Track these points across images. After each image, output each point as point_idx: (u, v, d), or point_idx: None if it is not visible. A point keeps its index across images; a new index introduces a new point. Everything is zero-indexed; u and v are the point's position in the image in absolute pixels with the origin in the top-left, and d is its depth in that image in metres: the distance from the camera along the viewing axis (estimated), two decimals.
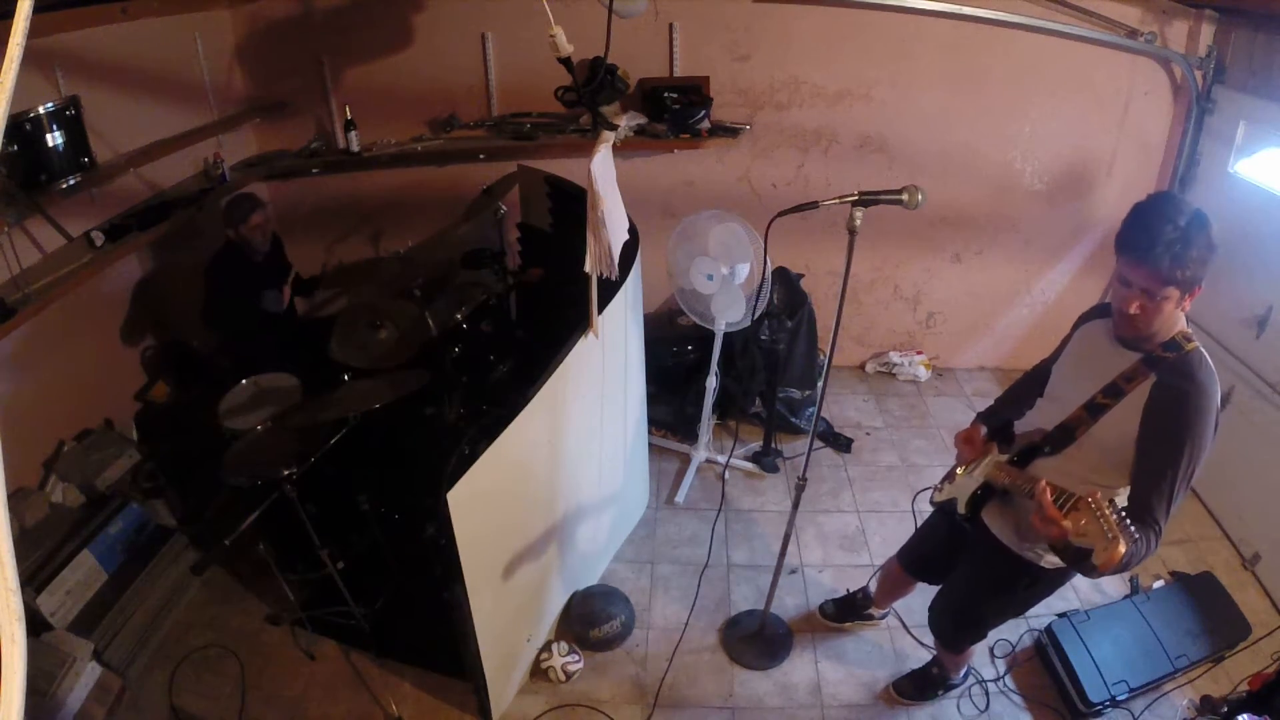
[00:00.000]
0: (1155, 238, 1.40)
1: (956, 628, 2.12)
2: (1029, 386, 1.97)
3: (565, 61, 1.83)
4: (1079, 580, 2.79)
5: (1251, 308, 2.84)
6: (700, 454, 3.39)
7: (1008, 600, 1.94)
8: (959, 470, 1.96)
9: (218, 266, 2.97)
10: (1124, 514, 1.28)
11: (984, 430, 1.91)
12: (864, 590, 2.67)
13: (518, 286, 3.57)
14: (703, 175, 3.69)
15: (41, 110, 2.42)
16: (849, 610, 2.68)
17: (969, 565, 2.01)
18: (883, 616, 2.67)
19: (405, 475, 2.74)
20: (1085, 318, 1.79)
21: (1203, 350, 1.52)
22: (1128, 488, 1.58)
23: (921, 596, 2.67)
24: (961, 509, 1.84)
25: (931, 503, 2.00)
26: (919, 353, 4.09)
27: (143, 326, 3.26)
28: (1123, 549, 1.25)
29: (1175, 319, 1.51)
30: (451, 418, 2.78)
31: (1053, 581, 1.84)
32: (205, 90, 3.36)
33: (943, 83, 3.42)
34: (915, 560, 2.26)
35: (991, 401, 2.06)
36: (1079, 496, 1.38)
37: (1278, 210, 2.78)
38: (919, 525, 2.30)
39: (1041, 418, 1.77)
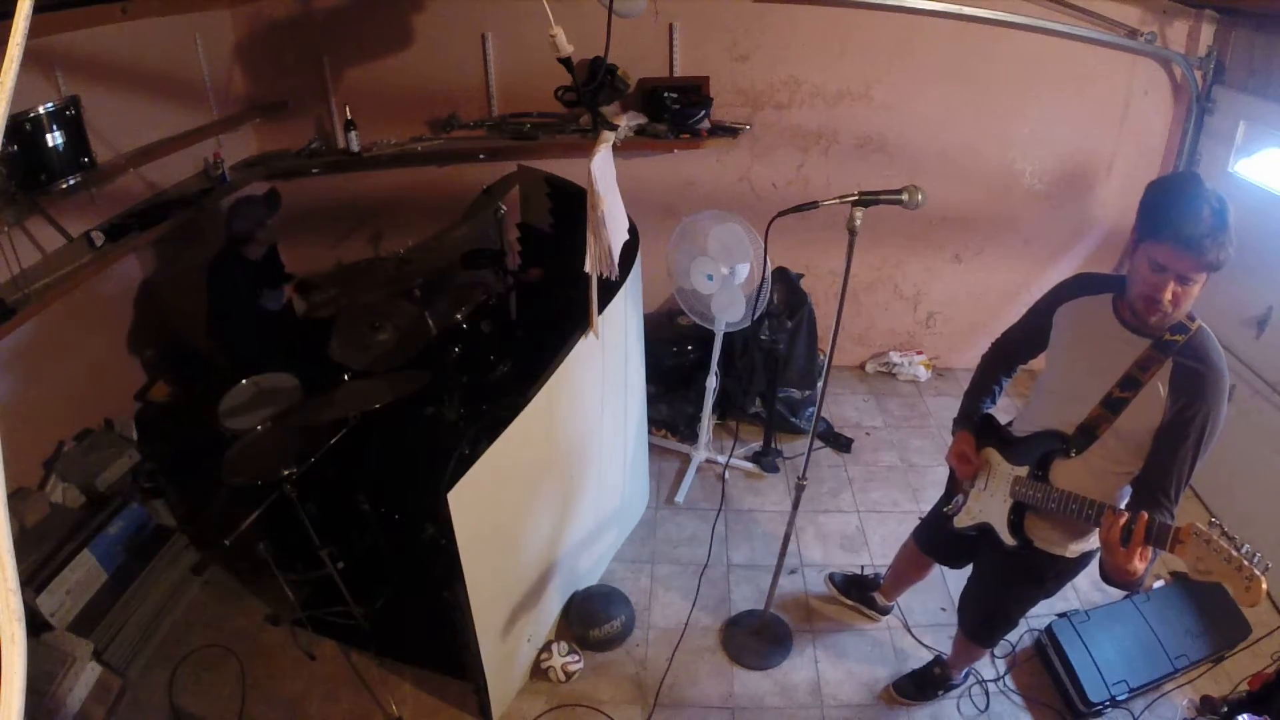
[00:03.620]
0: (1199, 223, 1.37)
1: (991, 626, 2.11)
2: (996, 369, 1.96)
3: (565, 61, 1.83)
4: (1079, 580, 2.78)
5: (1251, 308, 2.84)
6: (700, 454, 3.39)
7: (1037, 591, 1.94)
8: (970, 489, 1.92)
9: (219, 269, 2.97)
10: (1236, 536, 1.26)
11: (973, 439, 1.89)
12: (875, 574, 2.70)
13: (518, 286, 3.57)
14: (703, 175, 3.69)
15: (41, 110, 2.42)
16: (854, 586, 2.70)
17: (992, 563, 1.98)
18: (885, 612, 2.67)
19: (405, 475, 2.74)
20: (1064, 296, 1.74)
21: (1206, 327, 1.52)
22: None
23: (922, 596, 2.68)
24: (1009, 539, 1.79)
25: (956, 527, 1.95)
26: (919, 353, 4.09)
27: (143, 326, 3.26)
28: (1265, 585, 1.22)
29: (1193, 301, 1.49)
30: (451, 418, 2.78)
31: (1078, 567, 1.83)
32: (205, 90, 3.36)
33: (943, 83, 3.42)
34: (932, 543, 2.23)
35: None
36: (1179, 527, 1.35)
37: (1278, 210, 2.78)
38: (935, 504, 2.21)
39: (1048, 415, 1.74)
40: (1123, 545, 1.40)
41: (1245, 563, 1.24)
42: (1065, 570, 1.84)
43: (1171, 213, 1.42)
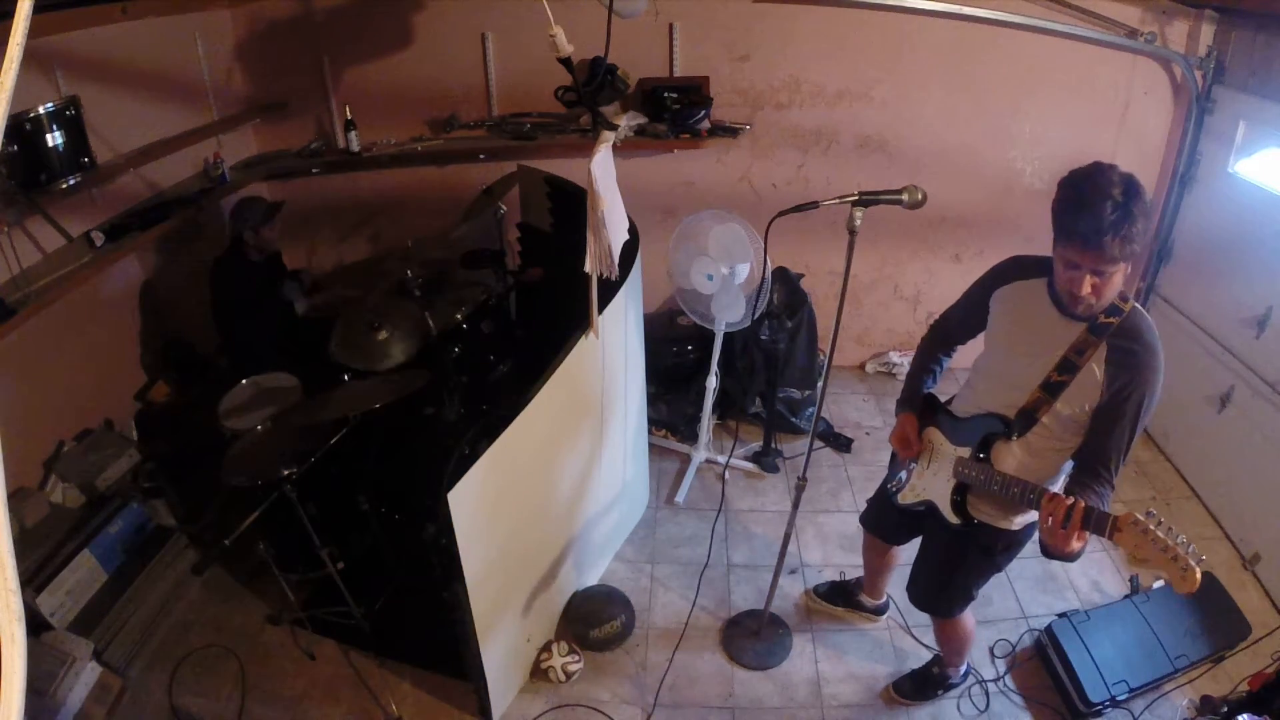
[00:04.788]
0: (1100, 222, 1.38)
1: (945, 600, 2.10)
2: (935, 350, 1.99)
3: (565, 61, 1.83)
4: (1079, 580, 2.80)
5: (1251, 308, 2.83)
6: (700, 454, 3.39)
7: (988, 565, 1.95)
8: (913, 467, 1.95)
9: (224, 271, 2.98)
10: (1172, 527, 1.29)
11: (915, 420, 1.91)
12: (856, 579, 2.71)
13: (518, 286, 3.57)
14: (703, 175, 3.69)
15: (41, 110, 2.42)
16: (839, 594, 2.72)
17: (940, 539, 1.99)
18: (880, 611, 2.67)
19: (405, 475, 2.74)
20: (1000, 279, 1.76)
21: (1139, 307, 1.56)
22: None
23: None
24: (952, 518, 1.82)
25: (900, 504, 1.99)
26: None
27: (143, 326, 3.26)
28: (1200, 575, 1.26)
29: (1120, 285, 1.53)
30: (451, 418, 2.77)
31: (1024, 537, 1.86)
32: (205, 90, 3.36)
33: (943, 83, 3.42)
34: (877, 522, 2.27)
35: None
36: (1117, 516, 1.39)
37: (1278, 210, 2.77)
38: (879, 486, 2.24)
39: (988, 398, 1.77)
40: (1061, 527, 1.45)
41: (1181, 552, 1.28)
42: (1013, 543, 1.87)
43: (1073, 213, 1.44)
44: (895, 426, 1.96)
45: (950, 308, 1.95)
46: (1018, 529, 1.82)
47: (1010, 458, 1.71)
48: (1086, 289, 1.48)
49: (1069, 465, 1.70)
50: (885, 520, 2.22)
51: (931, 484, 1.88)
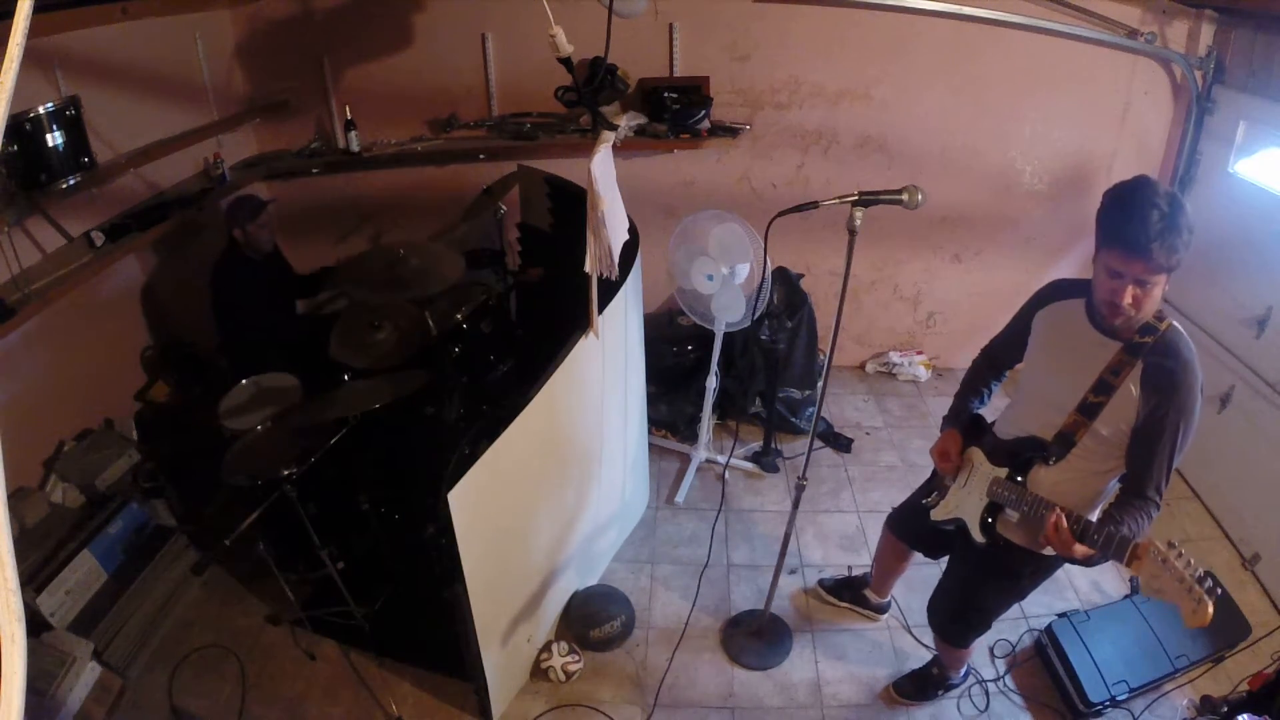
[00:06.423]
0: (1147, 229, 1.40)
1: (963, 624, 2.10)
2: (984, 373, 2.00)
3: (565, 61, 1.83)
4: (1079, 580, 2.80)
5: (1251, 308, 2.83)
6: (700, 454, 3.38)
7: (1012, 589, 1.95)
8: (950, 484, 1.95)
9: (224, 272, 2.97)
10: (1192, 559, 1.31)
11: (959, 437, 1.91)
12: (864, 574, 2.71)
13: (518, 286, 3.57)
14: (703, 175, 3.69)
15: (41, 110, 2.41)
16: (845, 588, 2.72)
17: (968, 560, 1.98)
18: (883, 610, 2.68)
19: (405, 475, 2.74)
20: (1044, 300, 1.78)
21: (1177, 325, 1.56)
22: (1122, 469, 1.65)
23: (921, 596, 2.67)
24: (979, 537, 1.82)
25: (933, 519, 1.98)
26: (919, 353, 4.09)
27: (143, 326, 3.26)
28: (1212, 609, 1.26)
29: (1159, 301, 1.54)
30: (451, 418, 2.77)
31: (1053, 565, 1.86)
32: (205, 90, 3.35)
33: (943, 83, 3.42)
34: (909, 531, 2.26)
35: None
36: (1137, 544, 1.40)
37: (1278, 210, 2.78)
38: (913, 493, 2.23)
39: (1027, 419, 1.77)
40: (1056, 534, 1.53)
41: (1196, 586, 1.28)
42: (1041, 568, 1.86)
43: (1120, 220, 1.46)
44: (937, 440, 1.96)
45: (998, 334, 1.97)
46: (1050, 554, 1.78)
47: (1049, 481, 1.71)
48: (1128, 299, 1.48)
49: (1111, 487, 1.70)
50: (913, 527, 2.21)
51: (965, 502, 1.88)
